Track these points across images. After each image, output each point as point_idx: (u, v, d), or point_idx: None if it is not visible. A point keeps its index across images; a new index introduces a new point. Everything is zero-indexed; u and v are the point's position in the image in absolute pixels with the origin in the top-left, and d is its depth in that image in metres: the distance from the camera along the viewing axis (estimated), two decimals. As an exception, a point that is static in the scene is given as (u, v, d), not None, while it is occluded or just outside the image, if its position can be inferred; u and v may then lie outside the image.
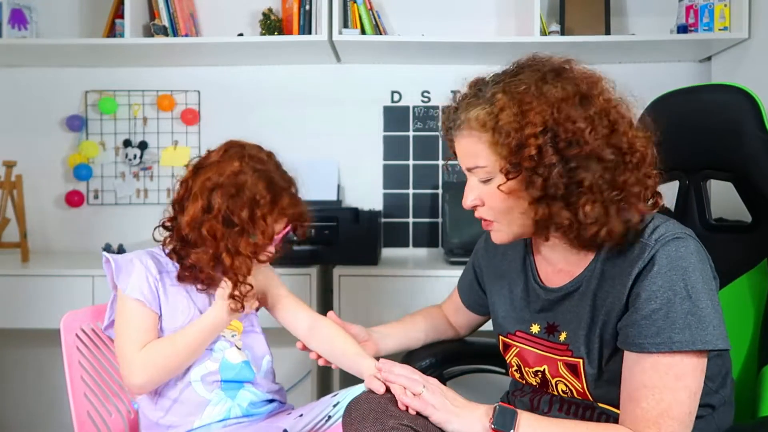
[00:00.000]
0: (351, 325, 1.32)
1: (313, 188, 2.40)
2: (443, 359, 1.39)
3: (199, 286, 1.23)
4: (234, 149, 1.24)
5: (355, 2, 2.25)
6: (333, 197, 2.42)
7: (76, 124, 2.48)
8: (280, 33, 2.30)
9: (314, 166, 2.41)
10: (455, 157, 1.11)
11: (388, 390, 1.02)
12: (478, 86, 1.05)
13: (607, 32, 2.26)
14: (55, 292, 2.00)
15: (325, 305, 2.17)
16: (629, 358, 0.98)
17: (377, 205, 2.49)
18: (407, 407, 0.98)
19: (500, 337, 1.22)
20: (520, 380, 1.20)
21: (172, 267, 1.25)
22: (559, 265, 1.12)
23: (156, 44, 2.22)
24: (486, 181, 1.05)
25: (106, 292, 1.26)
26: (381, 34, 2.27)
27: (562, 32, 2.26)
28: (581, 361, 1.05)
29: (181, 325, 1.21)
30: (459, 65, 2.43)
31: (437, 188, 2.50)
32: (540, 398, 1.14)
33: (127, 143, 2.51)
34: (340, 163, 2.49)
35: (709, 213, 1.34)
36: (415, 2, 2.46)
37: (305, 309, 1.33)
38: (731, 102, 1.25)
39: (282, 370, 1.43)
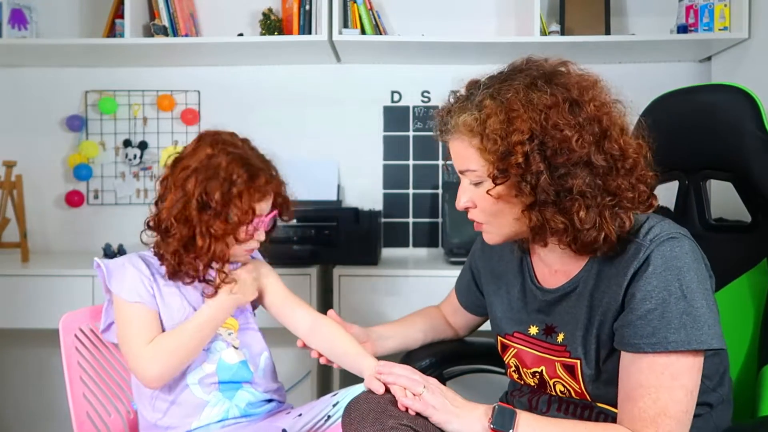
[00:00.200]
0: (350, 326, 1.32)
1: (313, 188, 2.43)
2: (443, 359, 1.39)
3: (187, 280, 1.23)
4: (207, 137, 1.24)
5: (355, 2, 2.25)
6: (333, 197, 2.41)
7: (76, 124, 2.48)
8: (280, 33, 2.29)
9: (314, 166, 2.41)
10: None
11: (387, 390, 1.02)
12: (470, 89, 1.06)
13: (607, 32, 2.26)
14: (55, 292, 2.00)
15: (325, 305, 2.16)
16: (626, 358, 0.98)
17: (377, 205, 2.49)
18: (407, 408, 0.99)
19: (498, 337, 1.22)
20: (519, 381, 1.20)
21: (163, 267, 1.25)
22: (556, 266, 1.12)
23: (156, 44, 2.22)
24: (477, 184, 1.05)
25: (106, 292, 1.26)
26: (381, 34, 2.27)
27: (562, 32, 2.26)
28: (578, 362, 1.05)
29: (179, 323, 1.21)
30: (459, 65, 2.43)
31: (437, 188, 2.49)
32: (538, 398, 1.15)
33: (127, 143, 2.50)
34: (340, 163, 2.49)
35: (709, 213, 1.34)
36: (415, 2, 2.45)
37: (306, 308, 1.33)
38: (731, 102, 1.25)
39: (282, 369, 1.43)
